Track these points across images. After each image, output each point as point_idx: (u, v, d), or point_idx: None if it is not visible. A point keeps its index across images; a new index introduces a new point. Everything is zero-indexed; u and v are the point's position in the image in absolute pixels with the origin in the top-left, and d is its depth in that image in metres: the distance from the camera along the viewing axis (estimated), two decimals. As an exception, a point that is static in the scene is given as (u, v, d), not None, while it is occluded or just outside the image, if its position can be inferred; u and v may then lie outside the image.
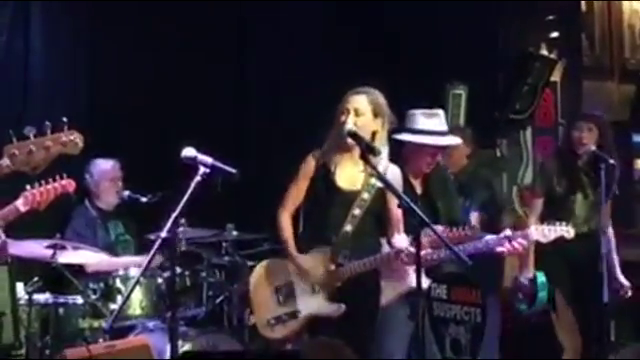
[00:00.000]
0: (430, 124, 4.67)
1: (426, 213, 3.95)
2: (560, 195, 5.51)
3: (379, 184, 4.30)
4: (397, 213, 4.39)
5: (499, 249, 4.44)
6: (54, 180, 3.80)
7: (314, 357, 4.03)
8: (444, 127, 4.75)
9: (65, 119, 3.42)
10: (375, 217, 4.42)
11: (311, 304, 4.35)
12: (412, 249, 4.15)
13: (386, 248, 4.43)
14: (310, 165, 4.42)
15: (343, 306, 4.31)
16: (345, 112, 4.34)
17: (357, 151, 4.25)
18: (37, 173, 3.53)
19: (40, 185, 3.78)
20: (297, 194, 4.43)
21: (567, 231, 4.59)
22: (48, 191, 3.76)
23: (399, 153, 4.70)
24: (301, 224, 4.52)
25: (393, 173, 4.39)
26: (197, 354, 4.37)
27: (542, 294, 5.44)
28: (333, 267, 4.33)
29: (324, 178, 4.38)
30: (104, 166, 5.72)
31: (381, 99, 4.42)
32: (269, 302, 4.41)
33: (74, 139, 3.44)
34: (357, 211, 4.35)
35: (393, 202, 4.31)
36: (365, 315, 4.39)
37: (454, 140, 4.95)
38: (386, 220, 4.44)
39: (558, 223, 4.59)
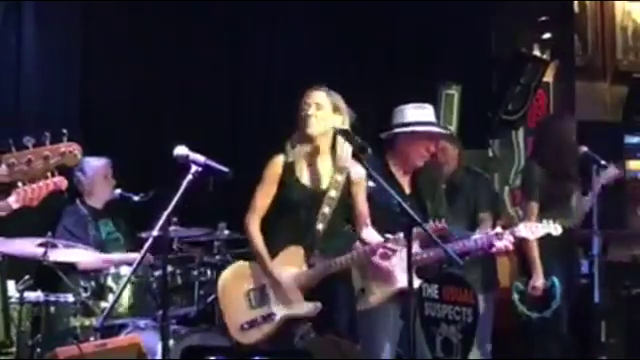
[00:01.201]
0: (419, 115, 4.69)
1: (415, 213, 3.97)
2: (560, 192, 5.56)
3: (344, 180, 4.36)
4: (364, 207, 4.44)
5: (487, 248, 4.47)
6: (46, 177, 3.79)
7: (321, 355, 4.03)
8: (433, 118, 4.76)
9: (65, 131, 3.41)
10: (344, 214, 4.45)
11: (285, 305, 4.34)
12: (389, 244, 4.20)
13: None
14: (277, 167, 4.41)
15: (319, 305, 4.32)
16: (306, 106, 4.38)
17: (323, 149, 4.36)
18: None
19: (32, 182, 3.78)
20: (265, 198, 4.42)
21: (555, 228, 4.62)
22: (40, 188, 3.75)
23: (391, 150, 4.70)
24: (270, 226, 4.51)
25: (358, 173, 4.42)
26: (204, 348, 4.35)
27: (557, 297, 5.48)
28: (306, 268, 4.33)
29: (291, 179, 4.39)
30: (97, 163, 5.71)
31: (339, 97, 4.47)
32: (241, 306, 4.38)
33: (73, 150, 3.43)
34: (327, 209, 4.37)
35: (359, 197, 4.40)
36: (341, 312, 4.39)
37: (445, 129, 4.98)
38: (353, 215, 4.46)
39: (545, 220, 4.62)
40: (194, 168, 3.97)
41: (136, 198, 5.64)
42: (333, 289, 4.37)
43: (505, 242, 4.46)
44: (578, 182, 5.64)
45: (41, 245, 4.95)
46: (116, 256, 5.47)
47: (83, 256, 5.24)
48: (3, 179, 3.43)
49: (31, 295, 4.99)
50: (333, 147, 4.44)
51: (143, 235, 5.17)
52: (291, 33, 6.97)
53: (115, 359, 4.49)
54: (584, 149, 5.47)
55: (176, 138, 4.10)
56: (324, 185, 4.41)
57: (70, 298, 5.10)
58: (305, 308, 4.33)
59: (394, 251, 4.24)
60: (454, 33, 7.22)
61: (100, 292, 5.13)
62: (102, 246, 5.55)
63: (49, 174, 3.72)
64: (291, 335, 4.38)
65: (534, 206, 5.48)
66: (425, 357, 4.72)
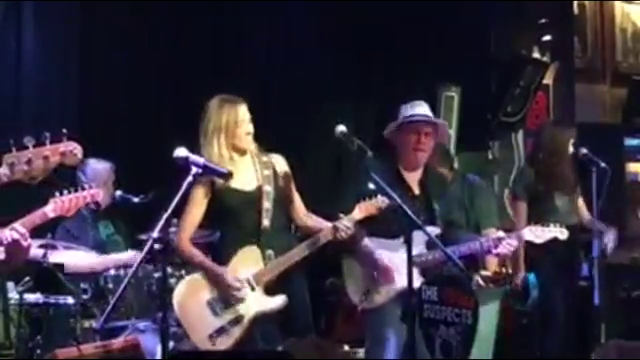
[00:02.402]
0: (415, 110, 4.70)
1: (423, 214, 3.98)
2: (544, 192, 5.69)
3: (272, 174, 4.40)
4: (297, 198, 4.50)
5: (492, 251, 4.50)
6: (83, 189, 3.85)
7: (304, 357, 4.02)
8: (429, 113, 4.76)
9: (65, 130, 3.42)
10: (282, 206, 4.47)
11: (253, 304, 4.30)
12: (345, 222, 4.28)
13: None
14: (205, 186, 4.34)
15: (285, 297, 4.32)
16: (245, 125, 4.40)
17: (247, 152, 4.38)
18: (35, 183, 3.53)
19: (69, 192, 3.82)
20: (196, 218, 4.39)
21: (561, 232, 4.65)
22: (77, 199, 3.81)
23: (396, 150, 4.71)
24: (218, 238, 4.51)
25: (282, 165, 4.47)
26: (193, 353, 4.34)
27: (534, 293, 5.76)
28: (263, 265, 4.32)
29: (221, 187, 4.35)
30: (99, 166, 5.70)
31: None
32: (205, 318, 4.30)
33: (73, 150, 3.44)
34: (267, 204, 4.37)
35: (289, 188, 4.45)
36: (297, 302, 4.43)
37: (440, 120, 5.03)
38: (291, 206, 4.49)
39: (552, 225, 4.64)
40: (194, 170, 3.98)
41: (136, 200, 5.64)
42: (287, 280, 4.38)
43: (508, 246, 4.49)
44: (567, 184, 5.74)
45: (41, 247, 4.95)
46: (113, 257, 5.46)
47: (81, 258, 5.24)
48: (4, 179, 3.44)
49: (31, 297, 4.99)
50: None
51: (143, 237, 5.17)
52: (291, 33, 6.98)
53: (114, 361, 4.49)
54: (584, 151, 5.48)
55: (176, 140, 4.10)
56: (257, 183, 4.41)
57: (70, 300, 5.10)
58: (273, 303, 4.31)
59: (349, 227, 4.30)
60: (454, 35, 7.22)
61: (100, 294, 5.14)
62: (102, 248, 5.55)
63: (86, 186, 3.79)
64: (267, 334, 4.36)
65: (520, 205, 5.68)
66: (424, 358, 4.72)
